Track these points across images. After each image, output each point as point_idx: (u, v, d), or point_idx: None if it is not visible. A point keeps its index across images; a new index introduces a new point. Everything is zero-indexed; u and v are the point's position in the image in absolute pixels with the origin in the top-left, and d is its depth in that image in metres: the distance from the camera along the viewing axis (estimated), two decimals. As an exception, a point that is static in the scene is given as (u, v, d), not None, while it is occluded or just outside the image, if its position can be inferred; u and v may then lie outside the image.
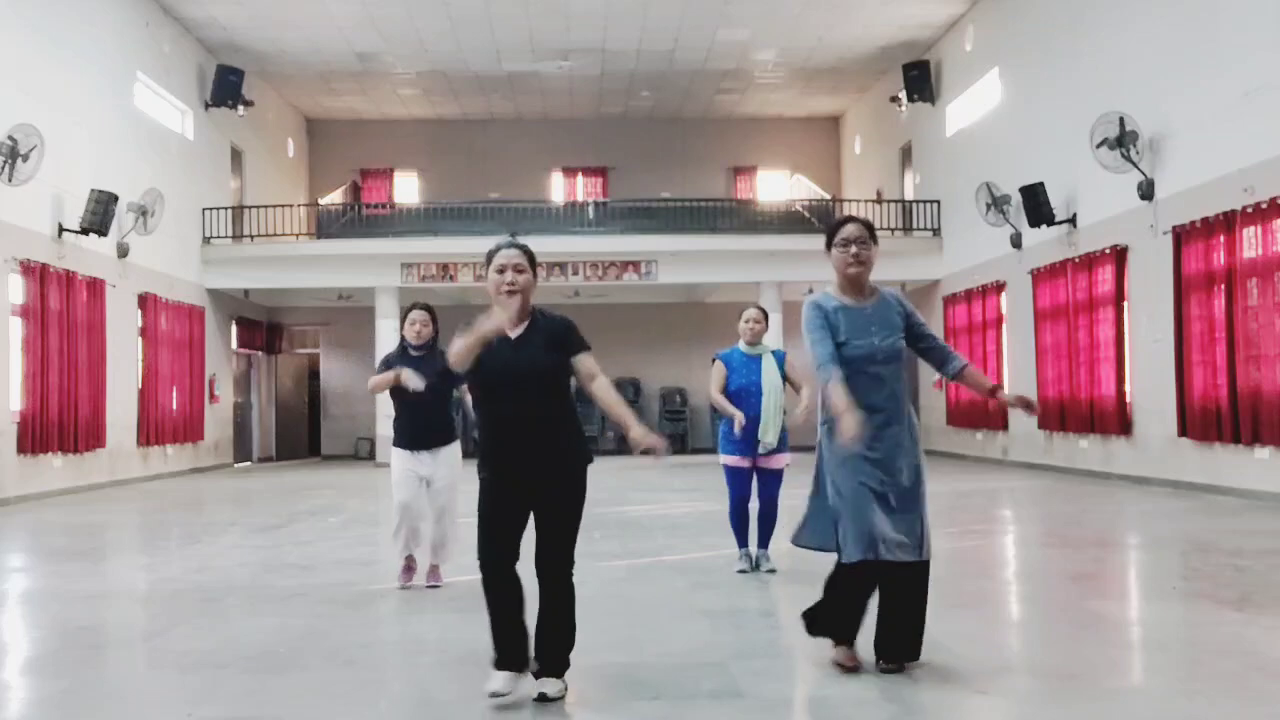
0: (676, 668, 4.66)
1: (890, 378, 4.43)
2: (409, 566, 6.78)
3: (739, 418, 6.77)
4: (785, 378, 6.99)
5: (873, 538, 4.26)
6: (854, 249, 4.46)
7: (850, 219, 4.60)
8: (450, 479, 6.67)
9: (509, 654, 4.16)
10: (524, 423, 4.12)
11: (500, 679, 4.13)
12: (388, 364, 6.65)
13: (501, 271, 4.17)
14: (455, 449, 6.74)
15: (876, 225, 20.65)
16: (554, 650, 4.18)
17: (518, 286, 4.15)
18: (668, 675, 4.54)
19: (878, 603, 4.45)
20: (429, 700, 4.25)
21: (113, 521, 12.01)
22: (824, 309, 4.47)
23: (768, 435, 6.84)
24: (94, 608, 6.52)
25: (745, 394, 6.87)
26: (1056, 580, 7.05)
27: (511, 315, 4.13)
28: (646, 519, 10.44)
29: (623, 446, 4.31)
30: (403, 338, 6.70)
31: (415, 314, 6.64)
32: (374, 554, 9.01)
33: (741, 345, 7.05)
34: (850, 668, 4.42)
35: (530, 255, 4.24)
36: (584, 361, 4.22)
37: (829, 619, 4.50)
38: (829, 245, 4.56)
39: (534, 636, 4.20)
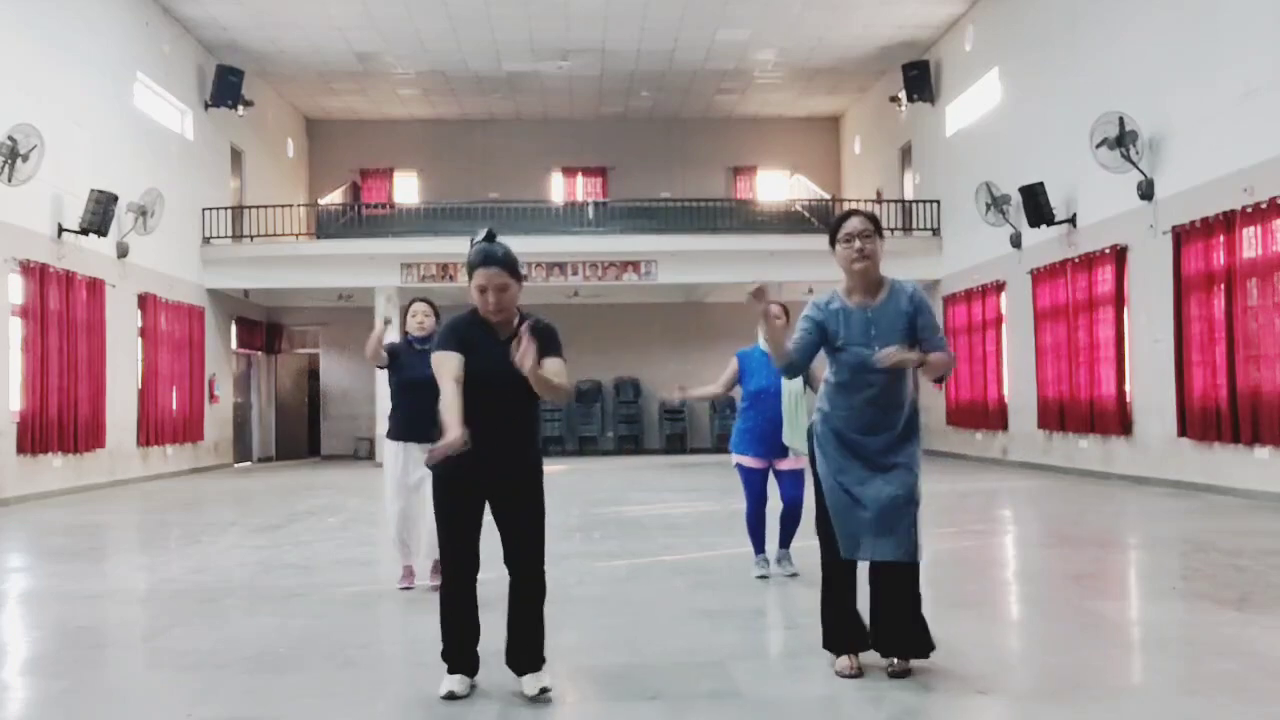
0: (676, 668, 4.66)
1: (888, 386, 4.33)
2: (410, 571, 6.78)
3: (678, 395, 6.66)
4: (807, 379, 6.53)
5: (854, 539, 4.29)
6: (858, 243, 4.33)
7: (853, 213, 4.46)
8: None
9: (466, 657, 4.22)
10: (505, 422, 4.11)
11: (455, 681, 4.18)
12: (393, 354, 6.70)
13: (483, 292, 4.07)
14: None
15: (876, 225, 19.90)
16: (534, 645, 4.19)
17: (501, 307, 4.09)
18: (667, 675, 4.54)
19: (870, 600, 4.45)
20: (429, 700, 4.24)
21: (113, 521, 12.00)
22: (818, 310, 4.41)
23: (795, 441, 6.48)
24: (94, 608, 6.52)
25: (764, 395, 6.56)
26: (1056, 580, 7.04)
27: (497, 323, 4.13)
28: (646, 519, 10.44)
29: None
30: (405, 331, 6.79)
31: (417, 306, 6.83)
32: (374, 554, 9.01)
33: (762, 344, 6.60)
34: (851, 674, 4.38)
35: (510, 265, 4.10)
36: (552, 364, 4.09)
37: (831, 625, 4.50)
38: (833, 242, 4.43)
39: (508, 634, 4.21)
